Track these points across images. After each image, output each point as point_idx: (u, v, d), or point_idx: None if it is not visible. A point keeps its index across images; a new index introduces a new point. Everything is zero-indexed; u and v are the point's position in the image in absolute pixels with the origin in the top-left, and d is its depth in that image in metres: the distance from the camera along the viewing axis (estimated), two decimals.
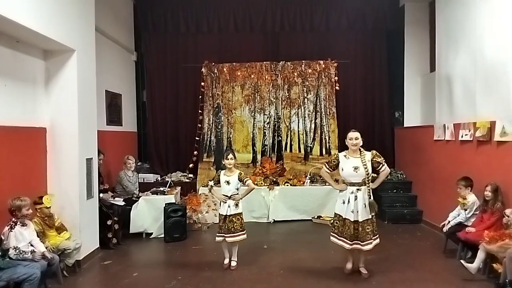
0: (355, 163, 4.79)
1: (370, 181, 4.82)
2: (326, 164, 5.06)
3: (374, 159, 4.82)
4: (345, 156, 4.91)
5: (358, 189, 4.76)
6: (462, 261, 4.86)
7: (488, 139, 5.52)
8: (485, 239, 4.66)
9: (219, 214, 5.36)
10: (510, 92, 5.11)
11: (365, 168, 4.74)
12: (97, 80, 5.99)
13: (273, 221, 7.88)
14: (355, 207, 4.73)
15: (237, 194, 5.23)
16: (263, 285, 4.74)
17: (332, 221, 5.18)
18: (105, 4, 7.14)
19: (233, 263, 5.28)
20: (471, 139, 5.92)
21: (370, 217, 4.78)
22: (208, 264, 5.43)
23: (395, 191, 8.18)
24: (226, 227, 5.17)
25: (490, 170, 5.45)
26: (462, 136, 6.18)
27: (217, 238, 5.28)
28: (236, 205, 5.19)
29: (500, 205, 4.98)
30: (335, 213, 4.97)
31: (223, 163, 5.40)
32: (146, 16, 8.87)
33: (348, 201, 4.78)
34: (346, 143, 4.96)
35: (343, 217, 4.82)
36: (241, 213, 5.26)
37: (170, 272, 5.25)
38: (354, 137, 4.90)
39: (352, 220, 4.74)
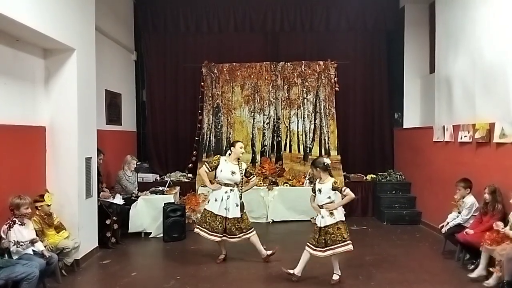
0: (232, 168, 5.34)
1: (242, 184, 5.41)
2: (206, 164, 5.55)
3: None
4: (225, 160, 5.43)
5: (231, 190, 5.31)
6: (470, 275, 4.77)
7: (487, 140, 5.53)
8: (486, 241, 4.65)
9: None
10: (509, 93, 5.12)
11: (241, 173, 5.36)
12: (97, 80, 5.98)
13: (272, 221, 7.88)
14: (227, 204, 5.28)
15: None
16: (262, 285, 4.75)
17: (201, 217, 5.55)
18: (105, 3, 7.13)
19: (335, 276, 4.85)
20: (470, 140, 5.93)
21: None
22: (206, 264, 5.43)
23: (394, 192, 8.19)
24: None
25: (489, 172, 5.45)
26: (461, 138, 6.18)
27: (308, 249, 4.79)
28: (331, 214, 4.72)
29: (500, 207, 4.97)
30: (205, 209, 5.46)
31: (234, 151, 5.39)
32: (146, 15, 8.87)
33: (221, 199, 5.30)
34: (234, 152, 5.46)
35: (215, 213, 5.30)
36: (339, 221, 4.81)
37: (169, 271, 5.25)
38: (243, 146, 5.58)
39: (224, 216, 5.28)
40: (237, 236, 5.35)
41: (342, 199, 4.70)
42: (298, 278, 4.77)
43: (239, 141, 5.80)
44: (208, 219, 5.34)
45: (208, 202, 5.50)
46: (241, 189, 5.42)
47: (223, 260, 5.51)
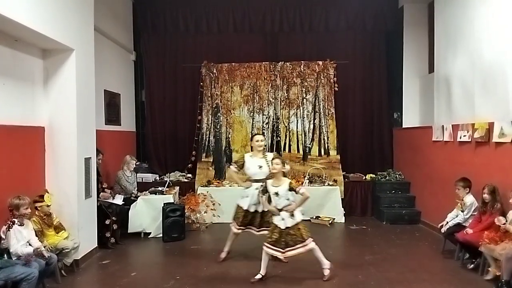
0: (259, 162, 5.34)
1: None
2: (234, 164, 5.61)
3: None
4: (250, 156, 5.45)
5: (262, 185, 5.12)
6: (485, 278, 4.71)
7: (487, 140, 5.53)
8: (485, 240, 4.66)
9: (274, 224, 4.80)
10: (508, 93, 5.12)
11: (268, 166, 5.20)
12: (96, 80, 5.98)
13: None
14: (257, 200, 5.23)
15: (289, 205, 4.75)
16: (262, 285, 4.73)
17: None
18: (104, 3, 7.13)
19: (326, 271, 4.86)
20: (470, 140, 5.93)
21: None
22: (206, 264, 5.43)
23: (393, 191, 8.19)
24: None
25: (488, 171, 5.46)
26: (460, 137, 6.19)
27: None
28: (292, 215, 4.75)
29: (499, 206, 4.97)
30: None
31: (252, 145, 5.44)
32: (145, 15, 8.86)
33: (252, 196, 5.27)
34: (253, 145, 5.51)
35: (244, 208, 5.31)
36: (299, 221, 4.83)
37: (169, 271, 5.24)
38: (260, 139, 5.51)
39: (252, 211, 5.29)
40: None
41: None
42: (263, 276, 4.80)
43: (256, 134, 5.85)
44: (239, 214, 5.39)
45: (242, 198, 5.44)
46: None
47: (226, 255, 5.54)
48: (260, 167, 5.35)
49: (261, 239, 5.07)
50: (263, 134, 5.29)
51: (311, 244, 4.74)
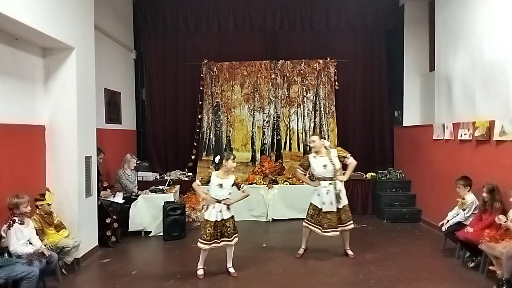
0: (323, 161, 5.45)
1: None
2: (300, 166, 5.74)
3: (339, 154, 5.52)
4: (314, 157, 5.54)
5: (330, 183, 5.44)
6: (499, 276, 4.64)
7: (487, 138, 5.52)
8: (485, 238, 4.65)
9: (206, 220, 4.94)
10: (509, 91, 5.12)
11: (332, 164, 5.41)
12: (96, 78, 5.98)
13: (272, 219, 7.89)
14: (328, 198, 5.43)
15: (228, 198, 4.92)
16: (262, 284, 4.74)
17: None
18: (105, 2, 7.13)
19: (232, 270, 5.03)
20: (470, 138, 5.92)
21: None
22: (207, 263, 5.42)
23: (394, 190, 8.18)
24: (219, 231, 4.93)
25: (489, 170, 5.45)
26: (461, 136, 6.18)
27: (203, 246, 4.88)
28: (228, 209, 4.94)
29: (499, 205, 4.96)
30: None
31: (226, 164, 4.89)
32: (146, 14, 8.85)
33: (322, 194, 5.44)
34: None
35: (318, 207, 5.48)
36: (233, 216, 5.03)
37: (169, 270, 5.25)
38: (311, 140, 5.66)
39: (325, 210, 5.43)
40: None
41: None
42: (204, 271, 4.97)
43: (233, 158, 5.10)
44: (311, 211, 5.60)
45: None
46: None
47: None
48: (325, 166, 5.44)
49: (257, 240, 5.05)
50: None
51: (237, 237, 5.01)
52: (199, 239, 4.93)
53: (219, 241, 4.91)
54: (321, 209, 5.47)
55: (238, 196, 5.00)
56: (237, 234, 5.02)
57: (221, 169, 4.96)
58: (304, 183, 6.02)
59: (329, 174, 5.44)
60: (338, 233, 5.50)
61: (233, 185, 4.93)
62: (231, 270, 5.02)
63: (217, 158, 5.07)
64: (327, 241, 5.65)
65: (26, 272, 3.91)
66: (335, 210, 5.45)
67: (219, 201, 4.87)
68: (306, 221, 5.66)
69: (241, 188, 4.99)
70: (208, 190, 5.01)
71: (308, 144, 8.77)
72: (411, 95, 8.42)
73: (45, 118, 5.24)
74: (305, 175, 5.74)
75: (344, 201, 5.56)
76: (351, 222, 5.60)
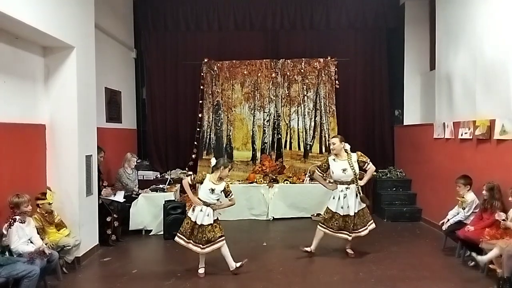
0: (342, 165, 5.39)
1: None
2: (318, 168, 5.65)
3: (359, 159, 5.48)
4: (333, 159, 5.48)
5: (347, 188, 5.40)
6: (474, 254, 4.82)
7: (488, 137, 5.52)
8: (486, 237, 4.65)
9: (188, 216, 4.97)
10: (509, 90, 5.11)
11: (352, 168, 5.36)
12: (97, 77, 5.98)
13: (272, 218, 7.89)
14: (345, 203, 5.38)
15: (215, 204, 4.93)
16: (263, 283, 4.74)
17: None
18: (105, 1, 7.12)
19: (201, 270, 4.98)
20: (471, 137, 5.92)
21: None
22: (207, 262, 5.42)
23: (394, 189, 8.19)
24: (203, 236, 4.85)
25: (490, 169, 5.44)
26: (461, 135, 6.18)
27: (180, 240, 4.89)
28: (213, 214, 4.91)
29: (499, 204, 4.95)
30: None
31: (222, 171, 4.86)
32: (146, 13, 8.85)
33: (339, 198, 5.40)
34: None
35: (333, 211, 5.44)
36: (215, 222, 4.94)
37: (170, 269, 5.25)
38: (331, 142, 5.64)
39: (342, 214, 5.39)
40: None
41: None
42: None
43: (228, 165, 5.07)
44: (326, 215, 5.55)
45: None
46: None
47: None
48: (344, 170, 5.39)
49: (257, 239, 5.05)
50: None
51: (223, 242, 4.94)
52: (177, 233, 4.94)
53: (193, 244, 4.86)
54: (337, 212, 5.42)
55: (223, 204, 5.01)
56: (215, 243, 4.86)
57: (215, 173, 4.91)
58: (315, 181, 5.99)
59: (348, 178, 5.39)
60: (350, 237, 5.43)
61: (222, 191, 4.91)
62: (238, 264, 4.96)
63: (213, 161, 5.05)
64: (327, 240, 5.64)
65: (27, 270, 3.91)
66: (351, 214, 5.39)
67: (207, 204, 4.86)
68: (321, 224, 5.58)
69: (229, 197, 4.99)
70: (197, 189, 4.99)
71: (309, 143, 8.82)
72: (411, 94, 8.42)
73: (45, 117, 5.24)
74: (323, 177, 5.69)
75: (361, 204, 5.50)
76: (366, 228, 5.53)
